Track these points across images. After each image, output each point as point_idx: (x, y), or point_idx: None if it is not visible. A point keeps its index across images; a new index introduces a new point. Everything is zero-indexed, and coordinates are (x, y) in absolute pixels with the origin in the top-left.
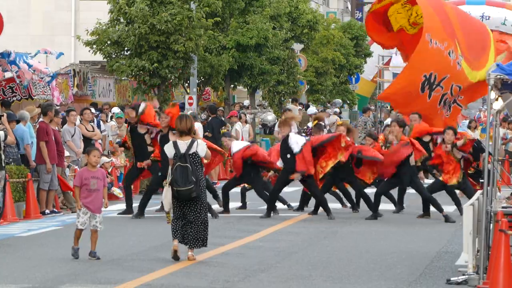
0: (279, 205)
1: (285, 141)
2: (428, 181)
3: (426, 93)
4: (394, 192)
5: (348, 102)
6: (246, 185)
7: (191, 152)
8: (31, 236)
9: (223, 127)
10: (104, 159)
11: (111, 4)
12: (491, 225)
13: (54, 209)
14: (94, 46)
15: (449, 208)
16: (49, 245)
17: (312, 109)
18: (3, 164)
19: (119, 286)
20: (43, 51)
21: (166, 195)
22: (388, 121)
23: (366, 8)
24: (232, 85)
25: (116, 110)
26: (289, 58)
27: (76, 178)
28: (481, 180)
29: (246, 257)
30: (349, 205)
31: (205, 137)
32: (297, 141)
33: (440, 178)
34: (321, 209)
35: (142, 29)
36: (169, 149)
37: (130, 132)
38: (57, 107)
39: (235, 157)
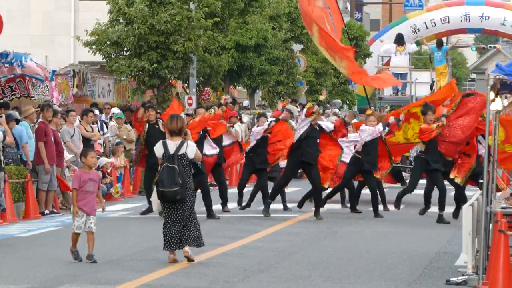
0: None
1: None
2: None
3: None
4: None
5: (348, 102)
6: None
7: (180, 153)
8: (30, 237)
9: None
10: (104, 159)
11: (111, 5)
12: (491, 225)
13: (54, 210)
14: (94, 46)
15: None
16: (49, 245)
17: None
18: (3, 165)
19: (119, 286)
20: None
21: (155, 196)
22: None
23: (366, 9)
24: (231, 86)
25: (116, 110)
26: (288, 58)
27: (75, 181)
28: (480, 181)
29: (245, 258)
30: (348, 205)
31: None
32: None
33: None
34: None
35: (142, 30)
36: (158, 149)
37: (147, 131)
38: (58, 108)
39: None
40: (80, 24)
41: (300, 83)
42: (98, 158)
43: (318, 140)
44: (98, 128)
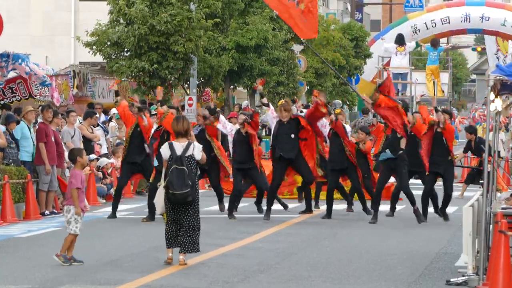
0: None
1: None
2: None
3: None
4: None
5: (348, 103)
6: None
7: (187, 154)
8: (30, 237)
9: None
10: (105, 160)
11: (111, 5)
12: (491, 226)
13: (54, 210)
14: (94, 47)
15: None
16: (49, 245)
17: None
18: None
19: (119, 286)
20: None
21: (159, 198)
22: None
23: (366, 9)
24: (231, 86)
25: (116, 111)
26: (289, 59)
27: (77, 180)
28: (480, 181)
29: (245, 258)
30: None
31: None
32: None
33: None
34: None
35: (142, 30)
36: (164, 151)
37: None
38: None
39: None
40: (80, 24)
41: (301, 83)
42: (98, 159)
43: (293, 135)
44: (104, 129)
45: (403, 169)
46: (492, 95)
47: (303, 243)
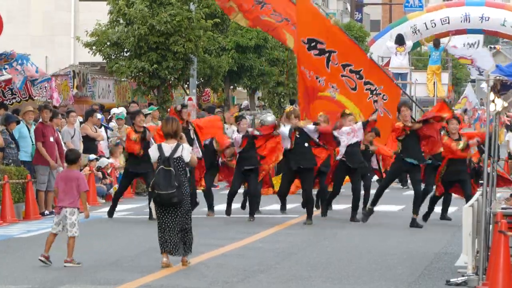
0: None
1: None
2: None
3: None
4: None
5: None
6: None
7: (175, 156)
8: (30, 237)
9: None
10: (105, 160)
11: (111, 5)
12: (491, 226)
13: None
14: (94, 47)
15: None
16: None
17: None
18: None
19: (119, 286)
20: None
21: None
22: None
23: (366, 9)
24: (231, 86)
25: (116, 111)
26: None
27: (86, 183)
28: (480, 181)
29: (245, 258)
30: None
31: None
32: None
33: None
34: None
35: (142, 30)
36: (153, 152)
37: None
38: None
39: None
40: (80, 24)
41: None
42: (98, 159)
43: (306, 144)
44: (107, 128)
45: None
46: (492, 95)
47: (303, 243)
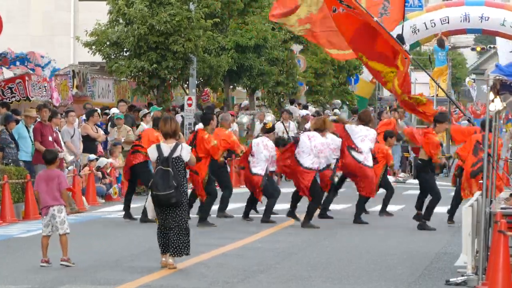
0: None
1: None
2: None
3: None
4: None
5: (347, 103)
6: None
7: (174, 156)
8: (30, 237)
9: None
10: (104, 160)
11: (110, 5)
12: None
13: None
14: (93, 47)
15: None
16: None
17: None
18: None
19: (119, 287)
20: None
21: (151, 202)
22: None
23: None
24: (231, 86)
25: (116, 110)
26: (288, 59)
27: (66, 180)
28: (480, 181)
29: (245, 258)
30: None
31: None
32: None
33: None
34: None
35: (141, 30)
36: (152, 152)
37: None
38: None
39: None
40: (80, 24)
41: (300, 83)
42: (97, 159)
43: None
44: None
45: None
46: (491, 95)
47: (303, 243)
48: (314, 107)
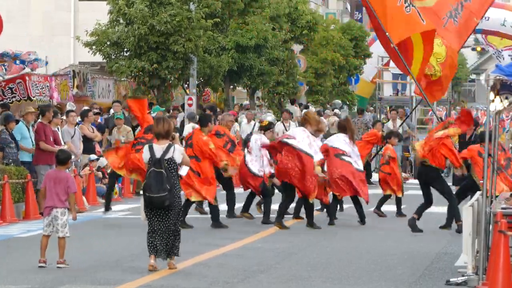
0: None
1: None
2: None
3: None
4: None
5: (348, 103)
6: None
7: (167, 157)
8: (30, 237)
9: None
10: (104, 160)
11: (111, 5)
12: (491, 226)
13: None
14: (94, 47)
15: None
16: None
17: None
18: None
19: (119, 287)
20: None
21: (142, 202)
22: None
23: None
24: (231, 86)
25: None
26: (288, 59)
27: (75, 183)
28: (480, 181)
29: (245, 258)
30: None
31: None
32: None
33: None
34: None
35: (142, 30)
36: (144, 154)
37: None
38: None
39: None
40: (80, 24)
41: (300, 83)
42: (97, 159)
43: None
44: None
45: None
46: (491, 95)
47: (303, 243)
48: (315, 107)
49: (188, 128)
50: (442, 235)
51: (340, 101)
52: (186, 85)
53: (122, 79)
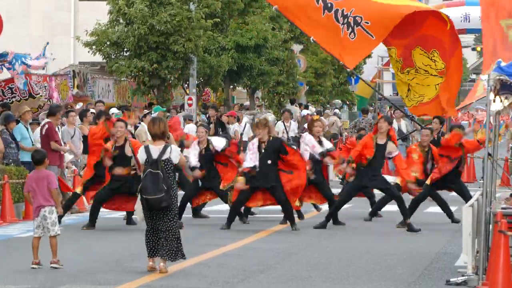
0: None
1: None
2: None
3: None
4: None
5: (348, 103)
6: None
7: (163, 158)
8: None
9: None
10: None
11: (111, 5)
12: (491, 226)
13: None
14: (94, 47)
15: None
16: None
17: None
18: None
19: (119, 286)
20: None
21: (139, 205)
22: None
23: None
24: (231, 86)
25: (115, 110)
26: (288, 59)
27: (55, 179)
28: (480, 181)
29: (245, 258)
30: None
31: None
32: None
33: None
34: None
35: (142, 30)
36: (140, 155)
37: None
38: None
39: None
40: (80, 24)
41: (300, 83)
42: None
43: (269, 161)
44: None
45: None
46: (492, 95)
47: (303, 243)
48: (315, 107)
49: (192, 128)
50: (442, 235)
51: (340, 101)
52: (186, 85)
53: (122, 79)
